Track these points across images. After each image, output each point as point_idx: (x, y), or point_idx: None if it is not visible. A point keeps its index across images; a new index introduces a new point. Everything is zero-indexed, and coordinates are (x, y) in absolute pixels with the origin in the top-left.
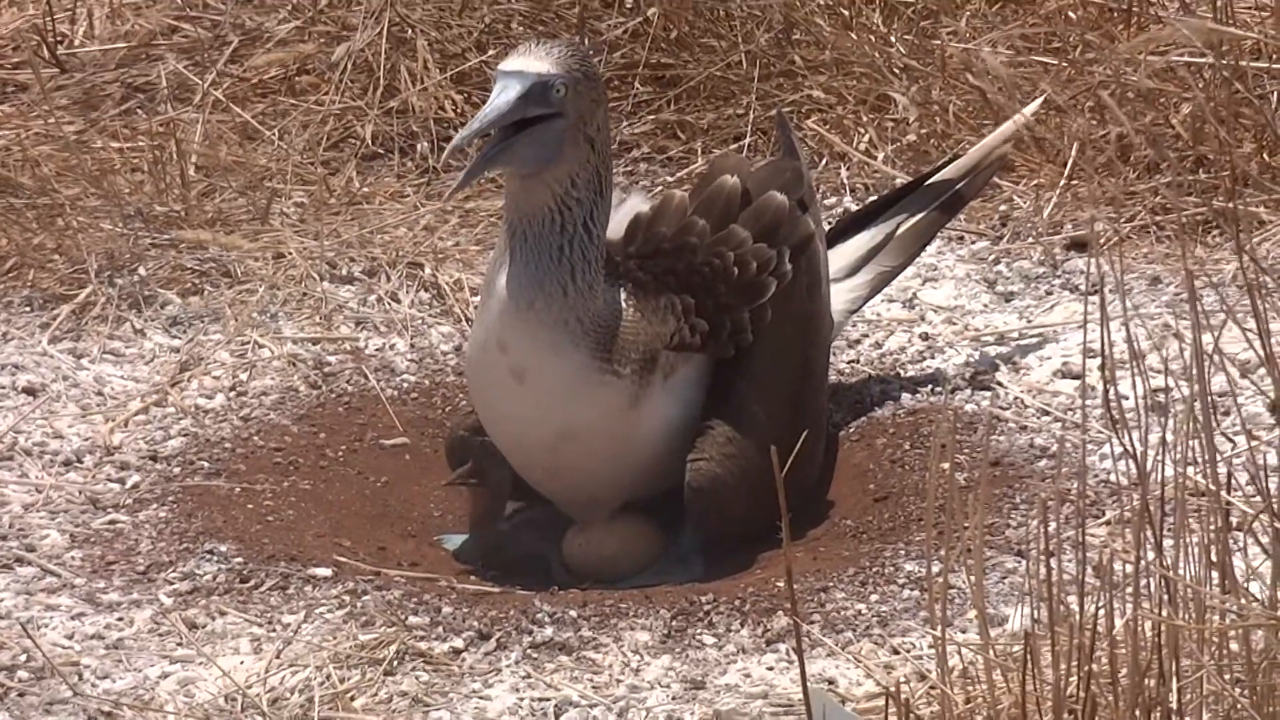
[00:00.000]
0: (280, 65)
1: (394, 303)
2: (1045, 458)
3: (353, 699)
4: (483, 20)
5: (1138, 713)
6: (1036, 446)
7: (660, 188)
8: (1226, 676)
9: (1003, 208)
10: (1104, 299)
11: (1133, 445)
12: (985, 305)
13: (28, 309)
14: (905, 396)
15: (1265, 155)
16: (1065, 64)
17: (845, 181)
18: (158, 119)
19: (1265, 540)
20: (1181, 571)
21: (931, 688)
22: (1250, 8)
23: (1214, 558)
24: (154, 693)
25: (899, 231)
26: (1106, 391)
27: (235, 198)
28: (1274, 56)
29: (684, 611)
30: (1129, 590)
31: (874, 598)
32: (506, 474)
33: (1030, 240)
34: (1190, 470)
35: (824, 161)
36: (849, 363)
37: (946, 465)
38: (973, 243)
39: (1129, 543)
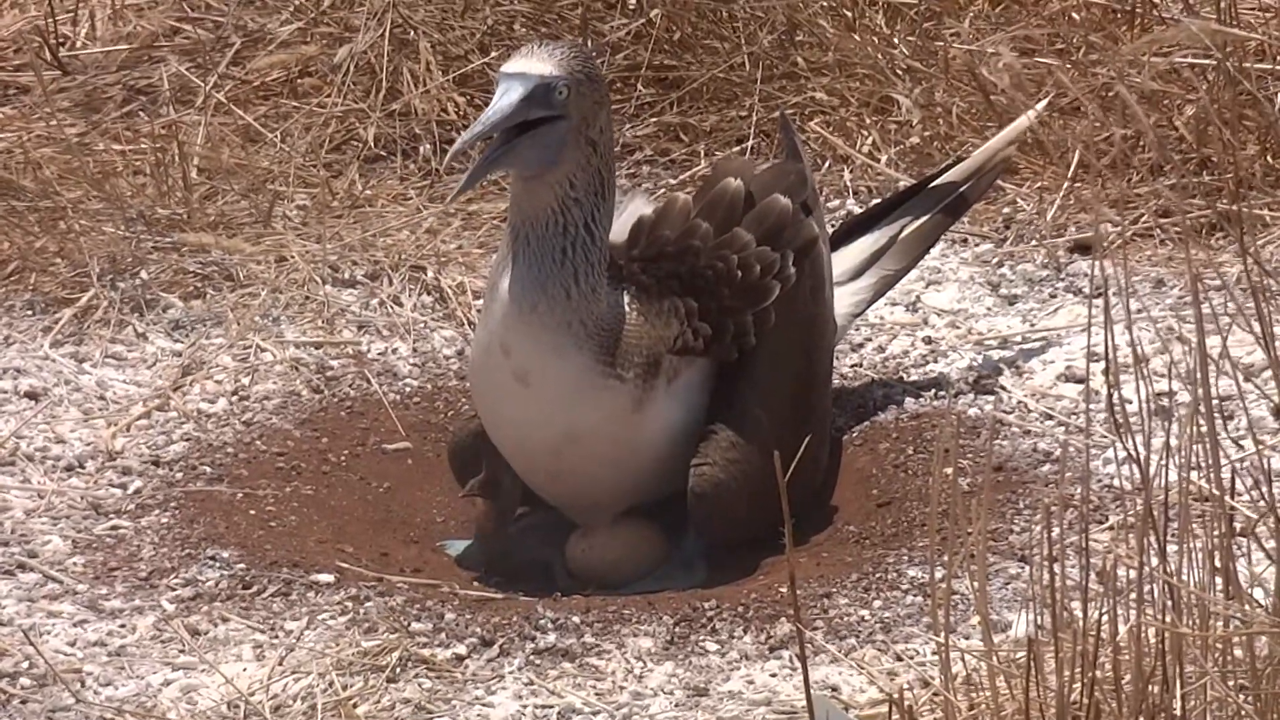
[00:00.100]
0: (282, 67)
1: (396, 306)
2: (1049, 462)
3: (355, 706)
4: (485, 22)
5: (1141, 719)
6: (1040, 451)
7: (663, 190)
8: (1230, 683)
9: (1006, 210)
10: (1108, 302)
11: (1136, 450)
12: (989, 309)
13: (29, 313)
14: (908, 401)
15: (1269, 157)
16: (1069, 65)
17: (848, 184)
18: (160, 121)
19: (1270, 546)
20: (1185, 577)
21: (935, 694)
22: (1254, 9)
23: (1218, 563)
24: (156, 700)
25: (903, 235)
26: (1110, 395)
27: (237, 200)
28: (1278, 58)
29: (687, 618)
30: (1133, 596)
31: (877, 604)
32: (517, 482)
33: (1034, 243)
34: (1194, 475)
35: (827, 164)
36: (852, 366)
37: (950, 470)
38: (976, 245)
39: (1133, 548)
